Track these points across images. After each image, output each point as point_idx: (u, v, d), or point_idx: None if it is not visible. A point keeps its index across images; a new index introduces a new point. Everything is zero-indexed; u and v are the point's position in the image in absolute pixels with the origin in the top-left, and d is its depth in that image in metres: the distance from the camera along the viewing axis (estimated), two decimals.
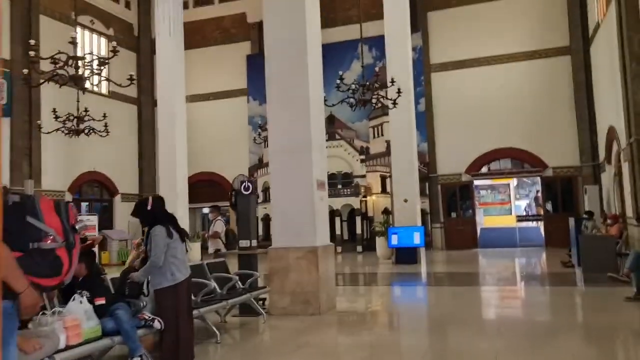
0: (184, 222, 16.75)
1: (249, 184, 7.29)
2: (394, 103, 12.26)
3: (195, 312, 5.16)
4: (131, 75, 9.36)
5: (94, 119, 12.99)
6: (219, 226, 8.88)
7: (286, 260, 7.00)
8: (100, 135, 13.39)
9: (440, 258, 16.35)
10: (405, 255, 13.61)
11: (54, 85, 10.49)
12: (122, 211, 20.92)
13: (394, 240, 13.93)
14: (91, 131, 12.91)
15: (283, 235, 7.11)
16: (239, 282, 6.51)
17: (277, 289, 7.02)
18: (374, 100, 11.75)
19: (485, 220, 29.91)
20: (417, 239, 13.76)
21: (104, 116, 12.45)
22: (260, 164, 21.53)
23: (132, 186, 21.94)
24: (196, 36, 21.90)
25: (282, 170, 7.20)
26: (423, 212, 19.40)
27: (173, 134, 15.98)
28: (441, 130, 19.70)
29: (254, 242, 7.17)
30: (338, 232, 19.77)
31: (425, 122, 19.87)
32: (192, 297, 5.44)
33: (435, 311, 7.44)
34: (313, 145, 7.11)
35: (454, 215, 19.55)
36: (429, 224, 19.38)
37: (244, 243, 7.10)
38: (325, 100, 12.27)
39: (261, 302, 7.19)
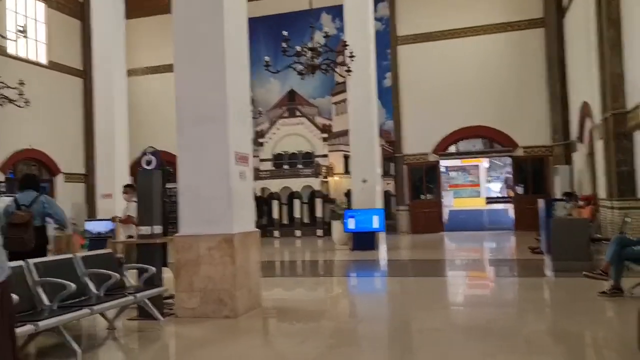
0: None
1: (153, 156, 5.95)
2: (348, 70, 10.97)
3: (47, 321, 3.88)
4: (23, 27, 7.83)
5: (8, 87, 11.41)
6: (132, 209, 7.54)
7: (196, 251, 5.74)
8: (18, 106, 11.80)
9: (402, 243, 15.28)
10: (363, 241, 12.46)
11: None
12: (66, 192, 19.34)
13: (351, 224, 12.76)
14: (4, 100, 11.33)
15: (192, 220, 5.83)
16: (128, 279, 5.22)
17: (184, 286, 5.75)
18: (323, 67, 10.37)
19: (454, 202, 29.21)
20: (375, 222, 12.61)
21: (20, 83, 10.86)
22: None
23: (77, 165, 20.30)
24: (143, 3, 20.19)
25: (192, 143, 5.89)
26: (388, 194, 18.33)
27: (112, 110, 14.41)
28: (408, 107, 18.53)
29: (159, 229, 5.87)
30: (298, 215, 18.57)
31: (391, 98, 18.68)
32: (47, 302, 4.15)
33: (388, 311, 6.25)
34: (230, 113, 5.81)
35: (422, 197, 18.45)
36: (394, 206, 18.31)
37: (144, 230, 5.78)
38: (267, 66, 11.02)
39: (171, 300, 5.93)
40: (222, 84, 5.78)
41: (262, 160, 19.51)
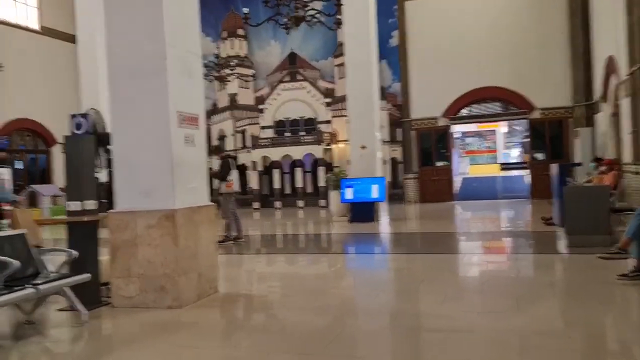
0: None
1: (83, 119, 5.02)
2: (337, 22, 9.82)
3: None
4: None
5: None
6: None
7: (132, 230, 4.85)
8: None
9: (408, 213, 14.27)
10: (362, 212, 11.52)
11: None
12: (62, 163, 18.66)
13: (349, 194, 11.80)
14: None
15: (128, 193, 4.93)
16: (45, 265, 4.37)
17: (121, 271, 4.89)
18: (308, 19, 9.24)
19: (470, 169, 27.98)
20: (375, 192, 11.62)
21: None
22: (214, 110, 19.15)
23: None
24: None
25: (126, 102, 4.94)
26: (395, 161, 17.28)
27: (96, 79, 13.53)
28: (416, 68, 17.26)
29: (92, 204, 4.98)
30: (300, 184, 17.66)
31: (397, 58, 17.43)
32: None
33: (379, 302, 5.28)
34: (170, 64, 4.82)
35: (432, 164, 17.31)
36: (401, 175, 17.27)
37: (72, 206, 4.90)
38: (246, 19, 9.92)
39: (107, 287, 5.10)
40: (159, 27, 4.78)
41: (262, 127, 18.55)
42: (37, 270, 4.36)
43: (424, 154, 17.35)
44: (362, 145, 12.03)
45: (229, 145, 18.88)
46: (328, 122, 17.99)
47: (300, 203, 17.51)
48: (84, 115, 5.04)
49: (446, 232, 9.87)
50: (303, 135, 17.84)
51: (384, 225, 11.38)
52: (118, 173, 4.96)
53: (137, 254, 4.85)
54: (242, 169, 8.82)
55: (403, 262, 7.24)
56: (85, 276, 4.34)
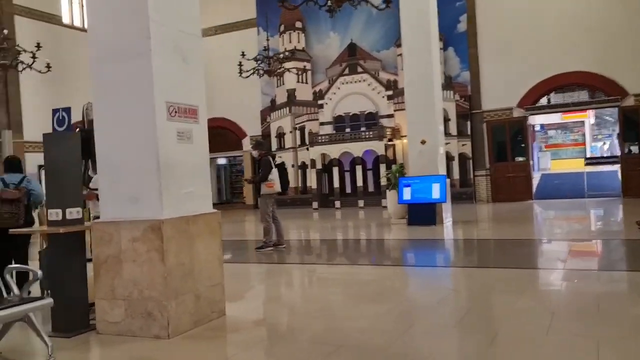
0: None
1: (65, 113, 4.35)
2: (387, 1, 8.71)
3: None
4: None
5: (25, 51, 10.44)
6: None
7: (117, 244, 4.10)
8: (39, 72, 10.85)
9: (478, 215, 12.87)
10: (421, 214, 10.34)
11: None
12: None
13: (406, 194, 10.66)
14: (20, 64, 10.38)
15: (112, 200, 4.18)
16: (11, 286, 3.69)
17: (105, 292, 4.16)
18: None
19: (552, 165, 25.64)
20: (436, 192, 10.40)
21: (38, 46, 9.81)
22: (273, 106, 18.54)
23: None
24: None
25: (107, 90, 4.20)
26: (464, 156, 15.84)
27: None
28: (487, 54, 15.72)
29: (76, 212, 4.29)
30: (360, 183, 16.64)
31: (467, 46, 15.95)
32: None
33: (440, 342, 4.22)
34: (157, 44, 4.02)
35: (506, 160, 15.69)
36: (471, 172, 15.80)
37: (53, 215, 4.23)
38: (283, 2, 9.05)
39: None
40: (142, 2, 3.98)
41: (321, 123, 17.69)
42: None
43: (497, 148, 15.78)
44: (421, 139, 10.83)
45: (288, 142, 18.21)
46: (390, 116, 16.83)
47: (361, 203, 16.49)
48: (66, 110, 4.35)
49: (523, 239, 8.47)
50: (364, 131, 16.80)
51: (448, 229, 10.13)
52: (102, 176, 4.23)
53: (122, 272, 4.09)
54: (283, 168, 8.13)
55: (471, 280, 6.04)
56: (47, 302, 3.63)
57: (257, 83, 18.11)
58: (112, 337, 4.08)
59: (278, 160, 9.02)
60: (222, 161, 21.16)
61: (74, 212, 4.29)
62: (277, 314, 4.90)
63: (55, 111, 4.37)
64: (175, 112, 4.17)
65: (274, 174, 8.42)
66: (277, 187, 8.44)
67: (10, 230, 4.68)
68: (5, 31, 10.51)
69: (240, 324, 4.38)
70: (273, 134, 18.51)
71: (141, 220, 4.02)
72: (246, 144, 18.93)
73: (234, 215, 16.95)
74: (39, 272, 3.71)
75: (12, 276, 3.75)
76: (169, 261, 3.99)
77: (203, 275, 4.32)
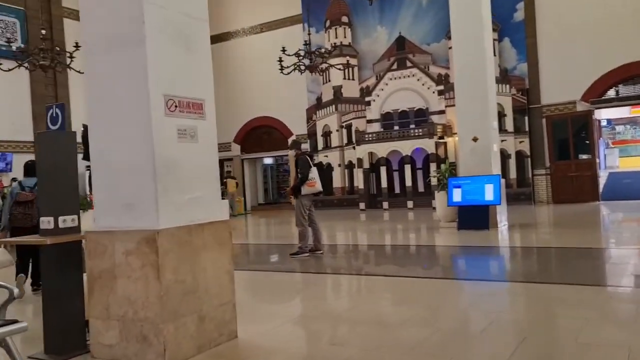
0: None
1: (59, 110, 3.92)
2: None
3: None
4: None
5: (64, 52, 10.37)
6: None
7: (110, 257, 3.62)
8: (79, 72, 10.75)
9: (536, 218, 11.81)
10: (472, 218, 9.49)
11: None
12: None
13: (456, 195, 9.82)
14: (58, 65, 10.30)
15: (106, 206, 3.71)
16: None
17: (99, 311, 3.69)
18: None
19: (620, 163, 23.76)
20: (489, 193, 9.51)
21: (76, 46, 9.68)
22: (319, 104, 18.00)
23: None
24: None
25: (101, 82, 3.73)
26: (521, 154, 14.75)
27: None
28: (547, 44, 14.55)
29: (71, 220, 3.85)
30: (409, 183, 15.82)
31: (524, 35, 14.83)
32: None
33: None
34: (151, 28, 3.50)
35: (568, 158, 14.47)
36: (529, 171, 14.68)
37: (45, 222, 3.81)
38: None
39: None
40: None
41: (369, 121, 16.99)
42: None
43: (558, 145, 14.57)
44: (473, 137, 9.96)
45: (334, 141, 17.61)
46: (441, 112, 15.92)
47: (410, 204, 15.67)
48: (60, 106, 3.92)
49: (590, 248, 7.49)
50: (413, 128, 15.96)
51: (503, 234, 9.22)
52: (96, 179, 3.76)
53: (117, 288, 3.61)
54: (320, 168, 7.59)
55: (528, 298, 5.23)
56: (20, 326, 3.17)
57: (303, 81, 17.61)
58: None
59: (322, 160, 8.42)
60: (268, 161, 20.84)
61: (68, 220, 3.85)
62: (301, 339, 4.29)
63: (48, 108, 3.96)
64: (176, 106, 3.65)
65: (314, 172, 7.86)
66: (319, 186, 7.87)
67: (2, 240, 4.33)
68: (43, 31, 10.46)
69: (252, 350, 3.81)
70: (319, 132, 17.97)
71: (136, 231, 3.52)
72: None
73: (279, 216, 16.53)
74: (16, 291, 3.26)
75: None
76: (166, 278, 3.47)
77: (209, 294, 3.78)
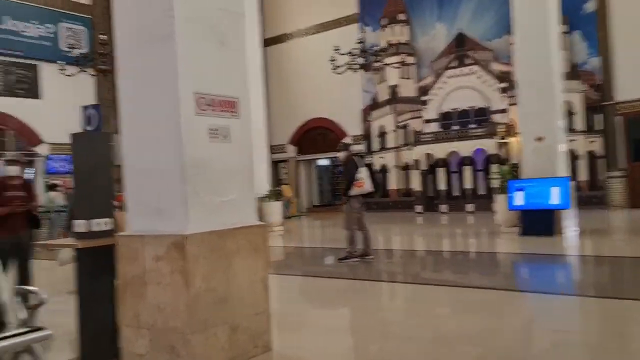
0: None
1: (95, 110, 3.83)
2: None
3: None
4: None
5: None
6: None
7: (141, 262, 3.48)
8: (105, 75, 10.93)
9: (609, 224, 10.94)
10: (536, 223, 8.85)
11: None
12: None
13: (519, 199, 9.20)
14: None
15: (138, 209, 3.58)
16: (14, 311, 3.21)
17: (130, 318, 3.56)
18: None
19: None
20: (555, 197, 8.84)
21: (103, 56, 9.84)
22: (374, 105, 17.63)
23: None
24: None
25: (131, 80, 3.60)
26: (592, 155, 13.77)
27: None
28: (622, 36, 13.51)
29: (105, 223, 3.76)
30: (469, 185, 15.15)
31: (596, 27, 13.85)
32: None
33: None
34: (181, 23, 3.34)
35: None
36: (602, 173, 13.67)
37: (79, 226, 3.73)
38: None
39: None
40: None
41: (426, 121, 16.43)
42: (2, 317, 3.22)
43: (636, 145, 13.49)
44: (537, 137, 9.31)
45: (390, 142, 17.18)
46: (503, 111, 15.13)
47: (470, 207, 14.99)
48: (96, 107, 3.83)
49: None
50: (473, 128, 15.29)
51: (571, 241, 8.54)
52: (127, 181, 3.63)
53: (147, 295, 3.46)
54: (370, 169, 7.33)
55: (597, 316, 4.71)
56: (45, 334, 3.06)
57: (358, 81, 17.31)
58: None
59: (378, 161, 8.10)
60: (323, 162, 20.65)
61: (101, 224, 3.75)
62: (344, 353, 4.00)
63: (84, 108, 3.88)
64: (207, 105, 3.46)
65: (362, 172, 7.55)
66: (368, 186, 7.54)
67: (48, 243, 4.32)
68: (103, 37, 10.73)
69: None
70: (374, 133, 17.59)
71: (165, 235, 3.36)
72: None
73: (333, 218, 16.27)
74: (43, 296, 3.17)
75: (27, 297, 3.27)
76: (195, 286, 3.28)
77: (242, 303, 3.56)
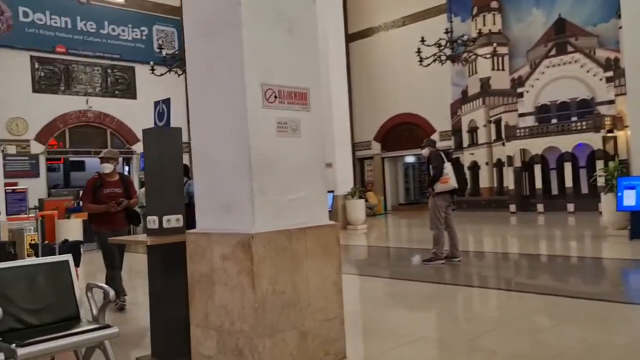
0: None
1: (165, 105, 3.77)
2: None
3: None
4: None
5: None
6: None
7: (209, 261, 3.36)
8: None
9: None
10: None
11: None
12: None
13: (629, 198, 8.26)
14: None
15: (206, 205, 3.46)
16: (88, 306, 3.20)
17: (199, 318, 3.45)
18: None
19: None
20: None
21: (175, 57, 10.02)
22: (464, 98, 16.83)
23: None
24: None
25: (199, 70, 3.48)
26: None
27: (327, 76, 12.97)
28: None
29: (176, 220, 3.68)
30: (569, 183, 13.99)
31: None
32: None
33: None
34: (248, 10, 3.16)
35: None
36: None
37: (151, 222, 3.68)
38: None
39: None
40: None
41: (521, 114, 15.40)
42: (76, 312, 3.22)
43: None
44: None
45: (481, 138, 16.30)
46: (611, 102, 13.78)
47: (570, 207, 13.83)
48: (166, 102, 3.77)
49: None
50: (575, 121, 14.08)
51: None
52: (197, 176, 3.53)
53: (214, 295, 3.34)
54: (458, 164, 6.82)
55: None
56: (113, 332, 3.00)
57: (447, 74, 16.58)
58: None
59: (468, 158, 7.62)
60: (410, 159, 20.07)
61: (172, 220, 3.68)
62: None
63: (156, 104, 3.84)
64: (276, 96, 3.27)
65: (448, 168, 7.09)
66: (453, 182, 7.08)
67: (110, 239, 4.37)
68: None
69: None
70: (464, 128, 16.77)
71: (232, 234, 3.20)
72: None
73: (420, 217, 15.72)
74: (112, 293, 3.13)
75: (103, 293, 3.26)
76: (262, 288, 3.10)
77: (312, 307, 3.34)
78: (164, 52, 11.06)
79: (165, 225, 3.65)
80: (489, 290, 6.02)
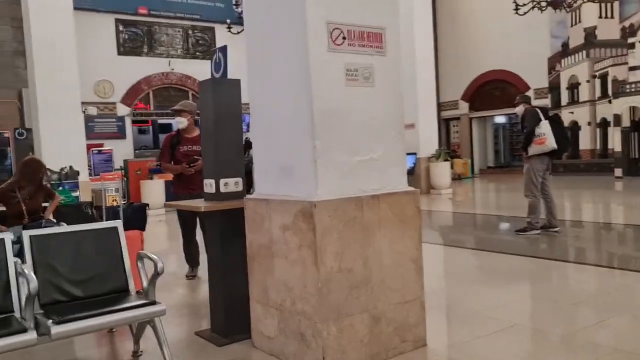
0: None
1: (221, 55, 3.34)
2: None
3: None
4: None
5: None
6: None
7: (268, 231, 2.95)
8: None
9: None
10: None
11: None
12: None
13: None
14: None
15: (265, 168, 3.03)
16: (140, 278, 2.91)
17: (259, 294, 3.08)
18: None
19: None
20: None
21: None
22: (565, 51, 15.23)
23: None
24: None
25: (257, 17, 2.99)
26: None
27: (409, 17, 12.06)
28: None
29: (234, 183, 3.29)
30: None
31: None
32: None
33: None
34: None
35: None
36: None
37: (207, 185, 3.31)
38: None
39: None
40: None
41: (631, 68, 13.66)
42: (125, 284, 2.95)
43: None
44: None
45: (583, 95, 14.74)
46: None
47: None
48: (222, 49, 3.33)
49: None
50: None
51: None
52: (254, 134, 3.10)
53: (274, 269, 2.94)
54: (558, 122, 5.87)
55: None
56: (161, 308, 2.69)
57: (545, 25, 15.02)
58: (265, 356, 3.00)
59: (567, 117, 6.71)
60: (500, 119, 18.70)
61: (230, 184, 3.30)
62: (516, 353, 3.08)
63: (213, 52, 3.41)
64: (344, 38, 2.72)
65: (543, 127, 6.23)
66: (551, 143, 6.21)
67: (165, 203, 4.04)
68: None
69: None
70: (563, 85, 15.23)
71: (292, 201, 2.76)
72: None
73: (511, 182, 14.61)
74: (160, 265, 2.81)
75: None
76: (326, 265, 2.64)
77: (387, 287, 2.85)
78: (239, 9, 10.71)
79: (222, 189, 3.28)
80: (591, 267, 5.22)
